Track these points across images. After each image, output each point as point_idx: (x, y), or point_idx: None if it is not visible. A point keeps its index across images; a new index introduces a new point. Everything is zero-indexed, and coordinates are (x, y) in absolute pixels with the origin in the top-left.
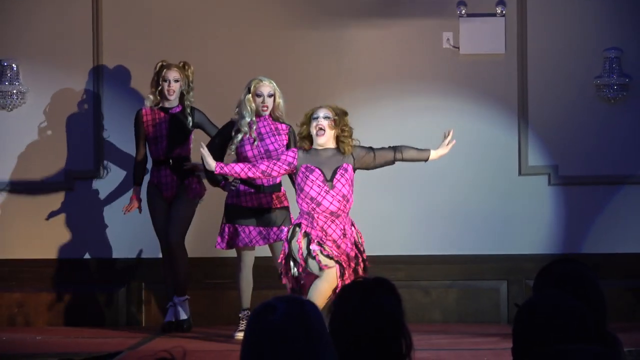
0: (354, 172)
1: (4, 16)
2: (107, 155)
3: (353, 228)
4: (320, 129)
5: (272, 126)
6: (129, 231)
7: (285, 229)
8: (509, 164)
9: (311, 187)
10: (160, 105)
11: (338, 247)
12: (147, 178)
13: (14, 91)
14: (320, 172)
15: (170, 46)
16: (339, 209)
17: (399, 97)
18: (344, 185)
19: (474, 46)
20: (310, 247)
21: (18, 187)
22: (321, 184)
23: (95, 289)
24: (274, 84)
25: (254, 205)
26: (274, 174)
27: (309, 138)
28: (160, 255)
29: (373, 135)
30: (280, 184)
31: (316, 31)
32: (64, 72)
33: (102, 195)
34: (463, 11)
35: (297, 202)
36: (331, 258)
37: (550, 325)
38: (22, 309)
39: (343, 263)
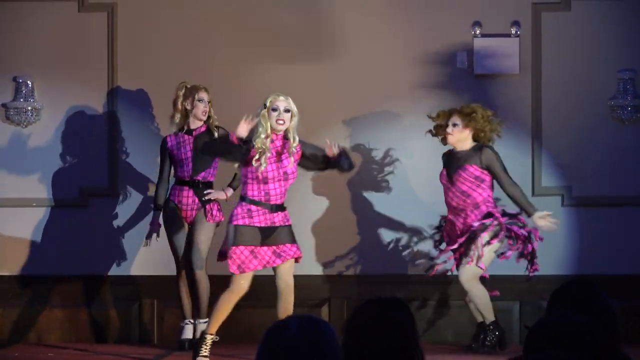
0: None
1: (19, 33)
2: (122, 173)
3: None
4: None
5: (284, 145)
6: (142, 248)
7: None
8: (522, 184)
9: None
10: (186, 128)
11: None
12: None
13: (29, 108)
14: None
15: (184, 65)
16: None
17: (413, 117)
18: None
19: (488, 66)
20: None
21: (32, 204)
22: None
23: (108, 305)
24: (291, 101)
25: (267, 224)
26: None
27: None
28: (174, 273)
29: (384, 154)
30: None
31: (326, 48)
32: (79, 89)
33: (116, 212)
34: (477, 31)
35: None
36: None
37: (562, 345)
38: (34, 326)
39: None
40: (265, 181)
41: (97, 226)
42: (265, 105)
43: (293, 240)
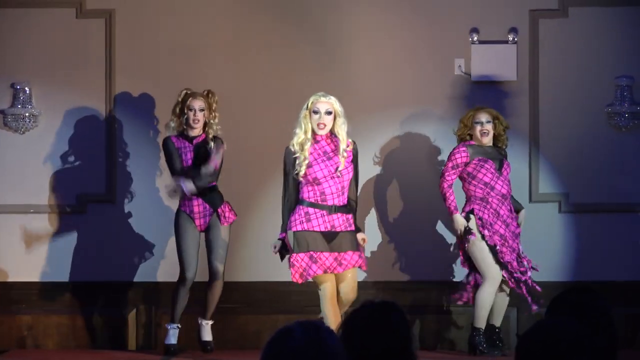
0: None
1: (18, 40)
2: (120, 179)
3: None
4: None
5: (333, 145)
6: (140, 254)
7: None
8: (520, 190)
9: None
10: (185, 133)
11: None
12: (174, 204)
13: (27, 114)
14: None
15: (183, 71)
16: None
17: (409, 123)
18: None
19: (486, 73)
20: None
21: (30, 210)
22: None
23: (106, 311)
24: (334, 101)
25: (326, 228)
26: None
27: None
28: (171, 279)
29: (382, 160)
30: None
31: (325, 55)
32: (77, 96)
33: (114, 218)
34: (475, 38)
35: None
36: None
37: (558, 352)
38: (32, 332)
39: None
40: (317, 182)
41: (94, 233)
42: (306, 106)
43: (356, 248)
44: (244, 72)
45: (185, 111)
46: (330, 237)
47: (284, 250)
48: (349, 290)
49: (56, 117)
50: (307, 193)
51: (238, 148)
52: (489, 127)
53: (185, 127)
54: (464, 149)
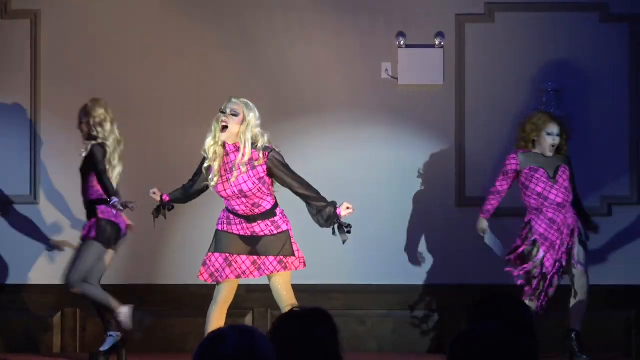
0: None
1: None
2: (43, 181)
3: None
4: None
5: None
6: (64, 257)
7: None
8: (446, 194)
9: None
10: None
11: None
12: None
13: None
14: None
15: (108, 73)
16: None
17: (336, 127)
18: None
19: (413, 77)
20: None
21: None
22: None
23: (30, 315)
24: (244, 105)
25: (246, 233)
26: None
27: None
28: None
29: (309, 165)
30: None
31: (252, 57)
32: (2, 97)
33: (37, 220)
34: (402, 42)
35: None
36: None
37: (486, 356)
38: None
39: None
40: (226, 197)
41: (17, 234)
42: (220, 109)
43: (278, 252)
44: (170, 75)
45: None
46: (251, 241)
47: (158, 209)
48: (281, 294)
49: None
50: (225, 202)
51: (163, 151)
52: (558, 140)
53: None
54: (514, 156)
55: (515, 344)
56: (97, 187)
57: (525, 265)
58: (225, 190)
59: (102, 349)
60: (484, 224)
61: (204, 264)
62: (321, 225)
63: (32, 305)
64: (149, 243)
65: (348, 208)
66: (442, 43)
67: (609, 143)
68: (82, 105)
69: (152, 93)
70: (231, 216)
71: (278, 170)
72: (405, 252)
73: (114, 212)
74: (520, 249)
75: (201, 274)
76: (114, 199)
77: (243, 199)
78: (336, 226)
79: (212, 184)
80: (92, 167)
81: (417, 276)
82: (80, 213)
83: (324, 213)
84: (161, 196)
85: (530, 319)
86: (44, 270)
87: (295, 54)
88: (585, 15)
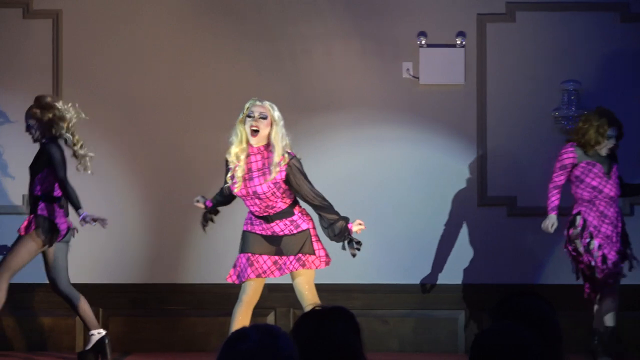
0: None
1: None
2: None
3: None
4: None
5: (265, 161)
6: (86, 257)
7: None
8: (468, 194)
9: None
10: None
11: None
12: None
13: None
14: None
15: (129, 72)
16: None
17: (358, 126)
18: None
19: (434, 76)
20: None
21: None
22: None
23: (52, 314)
24: (272, 107)
25: (267, 233)
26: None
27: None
28: (118, 281)
29: (329, 164)
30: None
31: (274, 58)
32: (23, 96)
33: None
34: (423, 41)
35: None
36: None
37: (503, 357)
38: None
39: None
40: (240, 196)
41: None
42: (242, 111)
43: (298, 251)
44: (191, 76)
45: None
46: (272, 241)
47: (205, 217)
48: (302, 292)
49: (2, 117)
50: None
51: (186, 153)
52: (614, 142)
53: None
54: (571, 149)
55: (536, 345)
56: (45, 185)
57: (585, 259)
58: (240, 190)
59: (87, 347)
60: (553, 219)
61: (234, 265)
62: (331, 239)
63: (54, 305)
64: (171, 244)
65: (360, 224)
66: (463, 42)
67: (630, 143)
68: (30, 106)
69: (173, 93)
70: (253, 217)
71: (295, 178)
72: (426, 252)
73: (57, 213)
74: (584, 243)
75: (230, 276)
76: (84, 213)
77: (256, 200)
78: (346, 242)
79: (236, 190)
80: (46, 167)
81: (438, 276)
82: (101, 213)
83: (335, 227)
84: (204, 203)
85: (555, 319)
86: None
87: (316, 54)
88: (605, 14)
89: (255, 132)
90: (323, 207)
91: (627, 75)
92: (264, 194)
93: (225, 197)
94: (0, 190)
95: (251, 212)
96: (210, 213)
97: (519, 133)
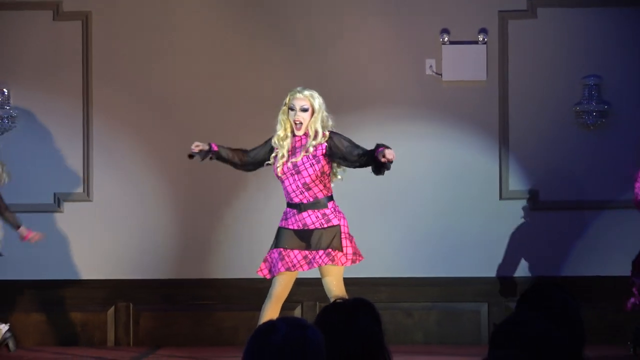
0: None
1: None
2: (96, 179)
3: None
4: None
5: (301, 142)
6: (117, 253)
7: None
8: (490, 188)
9: None
10: None
11: None
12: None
13: (5, 115)
14: None
15: (159, 72)
16: None
17: (382, 123)
18: None
19: (456, 73)
20: None
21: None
22: None
23: (84, 309)
24: (312, 96)
25: (299, 227)
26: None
27: None
28: (148, 277)
29: None
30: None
31: (299, 55)
32: (54, 97)
33: (90, 217)
34: (446, 38)
35: None
36: None
37: (522, 346)
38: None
39: None
40: (281, 180)
41: (72, 231)
42: (285, 102)
43: (327, 246)
44: (220, 75)
45: None
46: (303, 235)
47: (201, 153)
48: (330, 288)
49: (34, 118)
50: (283, 192)
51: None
52: None
53: None
54: None
55: (554, 337)
56: None
57: None
58: (282, 167)
59: None
60: None
61: (265, 260)
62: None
63: (86, 300)
64: (199, 239)
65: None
66: (485, 39)
67: None
68: None
69: (203, 93)
70: (287, 210)
71: (338, 141)
72: (449, 245)
73: None
74: None
75: (260, 270)
76: (23, 230)
77: (295, 176)
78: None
79: (278, 170)
80: None
81: (461, 269)
82: (131, 210)
83: (374, 155)
84: (209, 144)
85: (577, 311)
86: (97, 266)
87: (340, 51)
88: (626, 10)
89: (299, 125)
90: (368, 151)
91: None
92: (303, 164)
93: (242, 159)
94: (30, 189)
95: (287, 200)
96: (207, 153)
97: (540, 128)
